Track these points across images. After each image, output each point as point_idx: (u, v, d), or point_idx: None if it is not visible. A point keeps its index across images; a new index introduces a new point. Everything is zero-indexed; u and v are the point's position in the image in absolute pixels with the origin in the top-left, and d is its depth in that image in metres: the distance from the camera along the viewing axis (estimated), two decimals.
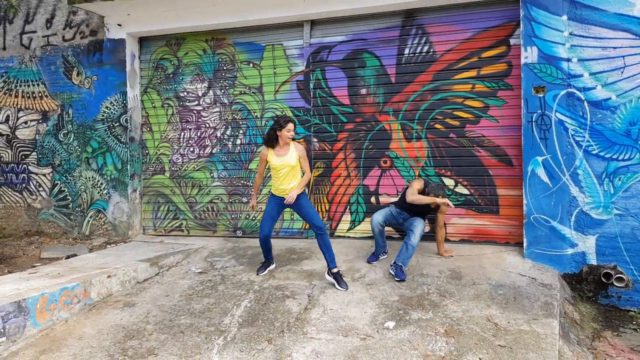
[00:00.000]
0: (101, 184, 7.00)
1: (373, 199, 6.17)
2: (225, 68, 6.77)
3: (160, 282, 5.16)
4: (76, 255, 5.95)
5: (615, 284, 4.79)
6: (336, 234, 6.32)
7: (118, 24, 6.86)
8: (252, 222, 6.65)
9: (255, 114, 6.64)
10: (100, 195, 7.00)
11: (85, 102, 7.06)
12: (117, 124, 6.92)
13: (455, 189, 5.79)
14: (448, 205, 4.91)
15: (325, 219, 6.33)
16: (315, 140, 6.38)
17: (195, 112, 6.90)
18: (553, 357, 3.48)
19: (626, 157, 4.83)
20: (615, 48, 4.89)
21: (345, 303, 4.44)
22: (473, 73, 5.73)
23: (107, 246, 6.51)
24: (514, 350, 3.56)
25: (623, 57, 4.86)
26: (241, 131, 6.71)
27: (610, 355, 3.98)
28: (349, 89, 6.25)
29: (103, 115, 6.98)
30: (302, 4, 6.08)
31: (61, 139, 7.21)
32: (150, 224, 7.10)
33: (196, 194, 6.88)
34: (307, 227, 6.40)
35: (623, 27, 4.85)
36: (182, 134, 6.95)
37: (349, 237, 6.26)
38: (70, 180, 7.17)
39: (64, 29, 7.20)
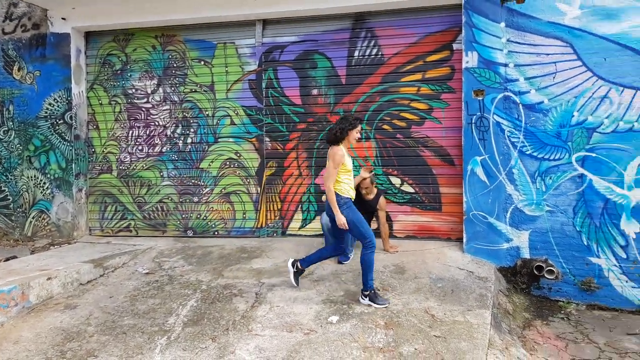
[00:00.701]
0: (44, 183, 6.80)
1: (324, 198, 6.26)
2: (175, 65, 6.71)
3: (105, 283, 5.10)
4: (16, 257, 5.77)
5: (546, 276, 5.10)
6: (288, 232, 6.40)
7: (62, 18, 6.68)
8: (204, 222, 6.64)
9: (207, 113, 6.63)
10: (44, 195, 6.80)
11: (27, 98, 6.83)
12: (62, 121, 6.74)
13: (401, 187, 5.99)
14: (366, 179, 5.25)
15: (277, 217, 6.40)
16: (267, 139, 6.44)
17: (144, 109, 6.82)
18: (483, 346, 3.69)
19: (557, 157, 5.14)
20: (548, 54, 5.18)
21: (292, 300, 4.53)
22: (419, 76, 5.93)
23: (50, 248, 6.34)
24: (448, 340, 3.75)
25: (555, 63, 5.16)
26: (192, 130, 6.68)
27: (538, 343, 4.25)
28: (301, 89, 6.34)
29: (46, 112, 6.78)
30: (254, 3, 6.12)
31: (1, 137, 6.95)
32: (97, 224, 6.96)
33: (145, 194, 6.80)
34: (258, 226, 6.45)
35: (555, 35, 5.15)
36: (131, 132, 6.85)
37: (300, 235, 6.35)
38: (10, 179, 6.93)
39: (3, 21, 6.94)
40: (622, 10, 4.95)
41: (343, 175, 4.39)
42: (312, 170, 6.29)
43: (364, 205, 5.31)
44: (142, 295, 4.75)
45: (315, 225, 6.25)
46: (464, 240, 5.45)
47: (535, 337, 4.37)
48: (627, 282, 4.93)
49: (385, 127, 6.04)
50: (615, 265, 4.97)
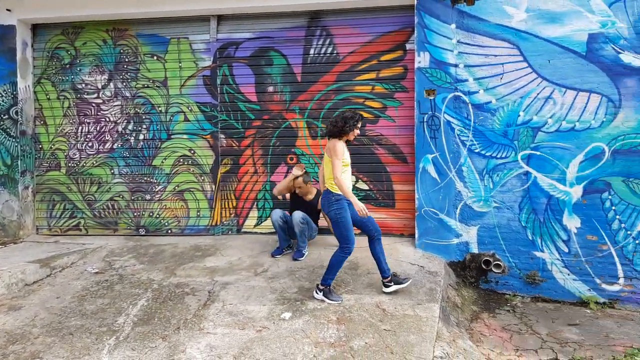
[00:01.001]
0: None
1: (280, 196, 6.28)
2: (127, 60, 6.56)
3: (52, 283, 4.94)
4: None
5: (494, 270, 5.28)
6: (243, 229, 6.37)
7: (7, 9, 6.40)
8: (156, 220, 6.52)
9: (160, 109, 6.51)
10: None
11: None
12: (6, 116, 6.47)
13: (356, 185, 6.06)
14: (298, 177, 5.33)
15: (232, 215, 6.36)
16: (222, 136, 6.38)
17: (94, 105, 6.62)
18: (431, 338, 3.79)
19: (503, 155, 5.33)
20: (496, 56, 5.36)
21: (245, 297, 4.52)
22: (373, 75, 6.02)
23: None
24: (397, 333, 3.84)
25: (502, 64, 5.35)
26: (144, 126, 6.54)
27: (484, 335, 4.41)
28: (257, 86, 6.32)
29: None
30: None
31: None
32: (45, 223, 6.72)
33: (95, 191, 6.61)
34: (213, 224, 6.39)
35: (503, 37, 5.34)
36: (80, 128, 6.64)
37: (255, 232, 6.33)
38: None
39: None
40: (565, 14, 5.18)
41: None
42: (268, 168, 6.29)
43: (306, 206, 5.36)
44: (90, 295, 4.62)
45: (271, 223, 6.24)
46: (416, 236, 5.58)
47: (482, 329, 4.53)
48: (568, 275, 5.18)
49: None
50: (558, 259, 5.21)
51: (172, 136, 6.49)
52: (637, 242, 5.00)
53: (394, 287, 4.46)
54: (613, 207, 5.05)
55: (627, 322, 4.74)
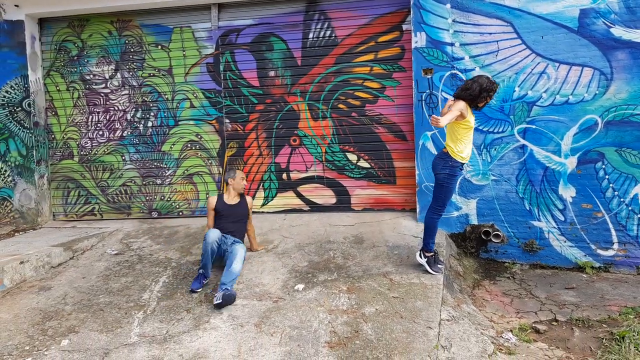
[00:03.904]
0: (5, 171, 6.74)
1: (284, 176, 6.53)
2: (132, 50, 6.73)
3: (76, 265, 5.21)
4: None
5: (493, 240, 5.55)
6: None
7: (15, 5, 6.56)
8: (167, 203, 6.77)
9: (166, 96, 6.71)
10: (5, 183, 6.75)
11: None
12: (19, 108, 6.67)
13: (357, 163, 6.30)
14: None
15: None
16: (227, 121, 6.60)
17: (103, 95, 6.82)
18: (437, 303, 4.07)
19: (500, 130, 5.56)
20: (490, 34, 5.54)
21: (259, 272, 4.79)
22: (371, 56, 6.20)
23: (15, 234, 6.35)
24: (405, 300, 4.12)
25: (497, 42, 5.53)
26: (152, 113, 6.75)
27: (486, 300, 4.70)
28: (258, 71, 6.51)
29: (3, 100, 6.68)
30: None
31: None
32: (61, 209, 6.97)
33: (108, 178, 6.85)
34: None
35: (497, 15, 5.51)
36: (90, 117, 6.85)
37: (262, 212, 6.58)
38: None
39: None
40: None
41: (463, 130, 4.30)
42: (272, 150, 6.51)
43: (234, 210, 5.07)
44: (114, 274, 4.90)
45: (277, 202, 6.50)
46: (417, 210, 5.84)
47: (483, 295, 4.82)
48: (565, 242, 5.44)
49: (340, 106, 6.31)
50: (555, 228, 5.47)
51: (179, 122, 6.70)
52: (630, 208, 5.25)
53: (423, 262, 4.56)
54: (607, 176, 5.30)
55: (622, 284, 5.01)
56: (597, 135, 5.28)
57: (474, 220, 5.68)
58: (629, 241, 5.27)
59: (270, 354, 3.52)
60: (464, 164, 4.42)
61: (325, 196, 6.40)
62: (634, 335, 3.82)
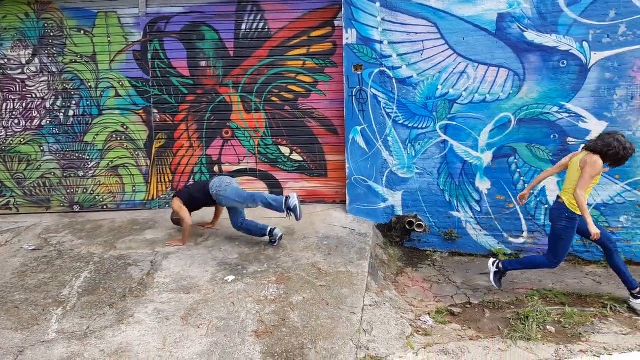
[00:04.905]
0: None
1: (216, 168, 6.47)
2: (52, 34, 6.36)
3: None
4: None
5: (416, 229, 5.84)
6: None
7: None
8: (91, 197, 6.50)
9: (89, 84, 6.41)
10: None
11: None
12: None
13: (290, 156, 6.37)
14: None
15: (169, 189, 6.47)
16: (155, 111, 6.42)
17: (19, 81, 6.40)
18: (361, 290, 4.24)
19: (424, 126, 5.83)
20: (416, 33, 5.78)
21: (188, 265, 4.75)
22: (304, 50, 6.27)
23: None
24: (332, 287, 4.26)
25: (422, 41, 5.78)
26: (74, 102, 6.43)
27: (408, 286, 4.94)
28: (189, 61, 6.38)
29: None
30: None
31: None
32: None
33: (24, 169, 6.46)
34: (149, 198, 6.48)
35: (423, 16, 5.75)
36: (5, 105, 6.41)
37: None
38: None
39: None
40: None
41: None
42: (203, 142, 6.42)
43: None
44: (31, 270, 4.66)
45: None
46: (347, 202, 6.01)
47: (406, 282, 5.06)
48: (481, 231, 5.82)
49: (274, 99, 6.34)
50: (472, 218, 5.83)
51: (104, 112, 6.44)
52: (538, 200, 5.70)
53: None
54: (518, 170, 5.71)
55: (530, 269, 5.43)
56: (511, 131, 5.67)
57: (399, 212, 5.93)
58: (537, 229, 5.72)
59: (196, 345, 3.52)
60: (580, 215, 4.21)
61: (258, 189, 6.40)
62: (536, 315, 4.19)
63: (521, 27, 5.59)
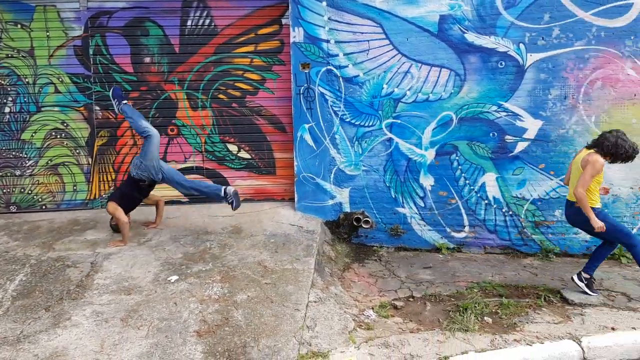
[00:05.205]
0: None
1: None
2: None
3: None
4: None
5: (363, 226, 5.94)
6: None
7: None
8: (29, 196, 6.23)
9: (27, 80, 6.15)
10: None
11: None
12: None
13: (238, 154, 6.34)
14: None
15: (111, 188, 6.29)
16: (97, 108, 6.24)
17: None
18: (306, 287, 4.28)
19: (370, 124, 5.93)
20: (362, 33, 5.86)
21: (129, 266, 4.65)
22: (251, 48, 6.24)
23: None
24: (277, 285, 4.27)
25: (368, 41, 5.87)
26: (10, 98, 6.15)
27: (353, 281, 5.02)
28: (132, 57, 6.23)
29: None
30: None
31: None
32: None
33: None
34: (91, 197, 6.29)
35: (368, 16, 5.84)
36: None
37: None
38: None
39: None
40: None
41: (594, 185, 4.36)
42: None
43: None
44: None
45: (154, 194, 6.26)
46: (296, 199, 6.04)
47: (352, 277, 5.14)
48: (425, 226, 5.99)
49: (221, 96, 6.28)
50: (416, 213, 5.99)
51: (42, 109, 6.20)
52: (478, 195, 5.91)
53: (582, 286, 4.59)
54: (459, 167, 5.90)
55: (471, 262, 5.64)
56: (452, 130, 5.86)
57: (347, 208, 6.02)
58: (478, 224, 5.94)
59: (135, 347, 3.45)
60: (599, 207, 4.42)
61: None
62: (475, 307, 4.35)
63: (462, 29, 5.77)
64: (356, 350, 3.61)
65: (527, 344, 3.77)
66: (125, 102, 5.45)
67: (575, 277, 4.68)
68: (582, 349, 3.75)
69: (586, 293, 4.58)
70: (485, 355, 3.62)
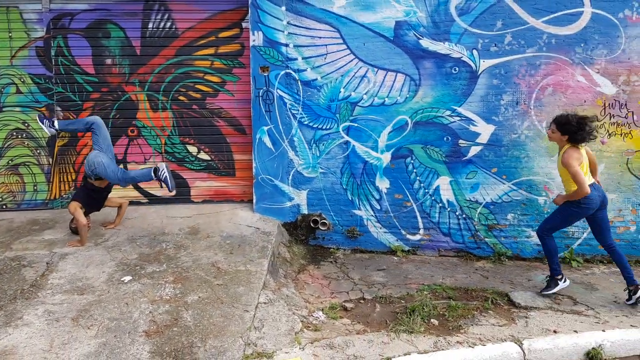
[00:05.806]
0: None
1: (121, 167, 6.38)
2: None
3: None
4: None
5: (320, 228, 6.09)
6: None
7: None
8: None
9: None
10: None
11: None
12: None
13: (198, 156, 6.43)
14: None
15: (72, 188, 6.32)
16: (59, 109, 6.26)
17: None
18: (258, 288, 4.41)
19: (328, 127, 6.08)
20: (320, 38, 5.99)
21: (85, 266, 4.72)
22: (212, 51, 6.33)
23: None
24: (229, 286, 4.39)
25: (326, 45, 6.00)
26: None
27: (307, 283, 5.17)
28: (94, 58, 6.26)
29: None
30: None
31: None
32: None
33: None
34: (51, 197, 6.32)
35: (326, 21, 5.97)
36: None
37: None
38: None
39: None
40: (377, 2, 5.88)
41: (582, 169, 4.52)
42: None
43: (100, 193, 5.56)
44: None
45: (113, 194, 6.29)
46: (254, 201, 6.16)
47: (306, 279, 5.29)
48: (381, 228, 6.16)
49: (181, 98, 6.36)
50: (372, 216, 6.16)
51: (4, 109, 6.21)
52: (433, 198, 6.11)
53: (555, 289, 4.79)
54: (414, 170, 6.09)
55: (424, 265, 5.79)
56: (407, 133, 6.04)
57: (305, 210, 6.16)
58: (432, 227, 6.14)
59: (84, 347, 3.55)
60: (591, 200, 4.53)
61: (164, 188, 6.39)
62: (422, 309, 4.44)
63: (417, 35, 5.95)
64: (300, 351, 3.74)
65: (470, 345, 3.87)
66: (53, 119, 5.60)
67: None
68: (523, 351, 3.85)
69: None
70: (427, 357, 3.70)
